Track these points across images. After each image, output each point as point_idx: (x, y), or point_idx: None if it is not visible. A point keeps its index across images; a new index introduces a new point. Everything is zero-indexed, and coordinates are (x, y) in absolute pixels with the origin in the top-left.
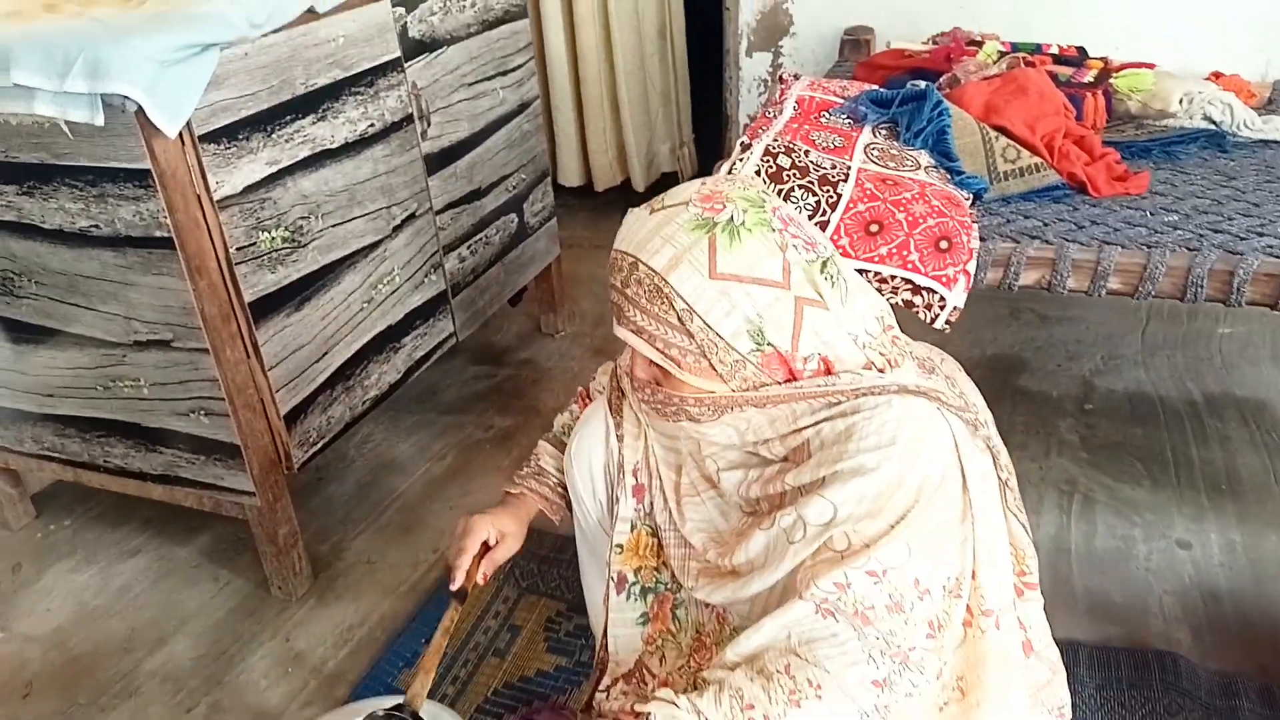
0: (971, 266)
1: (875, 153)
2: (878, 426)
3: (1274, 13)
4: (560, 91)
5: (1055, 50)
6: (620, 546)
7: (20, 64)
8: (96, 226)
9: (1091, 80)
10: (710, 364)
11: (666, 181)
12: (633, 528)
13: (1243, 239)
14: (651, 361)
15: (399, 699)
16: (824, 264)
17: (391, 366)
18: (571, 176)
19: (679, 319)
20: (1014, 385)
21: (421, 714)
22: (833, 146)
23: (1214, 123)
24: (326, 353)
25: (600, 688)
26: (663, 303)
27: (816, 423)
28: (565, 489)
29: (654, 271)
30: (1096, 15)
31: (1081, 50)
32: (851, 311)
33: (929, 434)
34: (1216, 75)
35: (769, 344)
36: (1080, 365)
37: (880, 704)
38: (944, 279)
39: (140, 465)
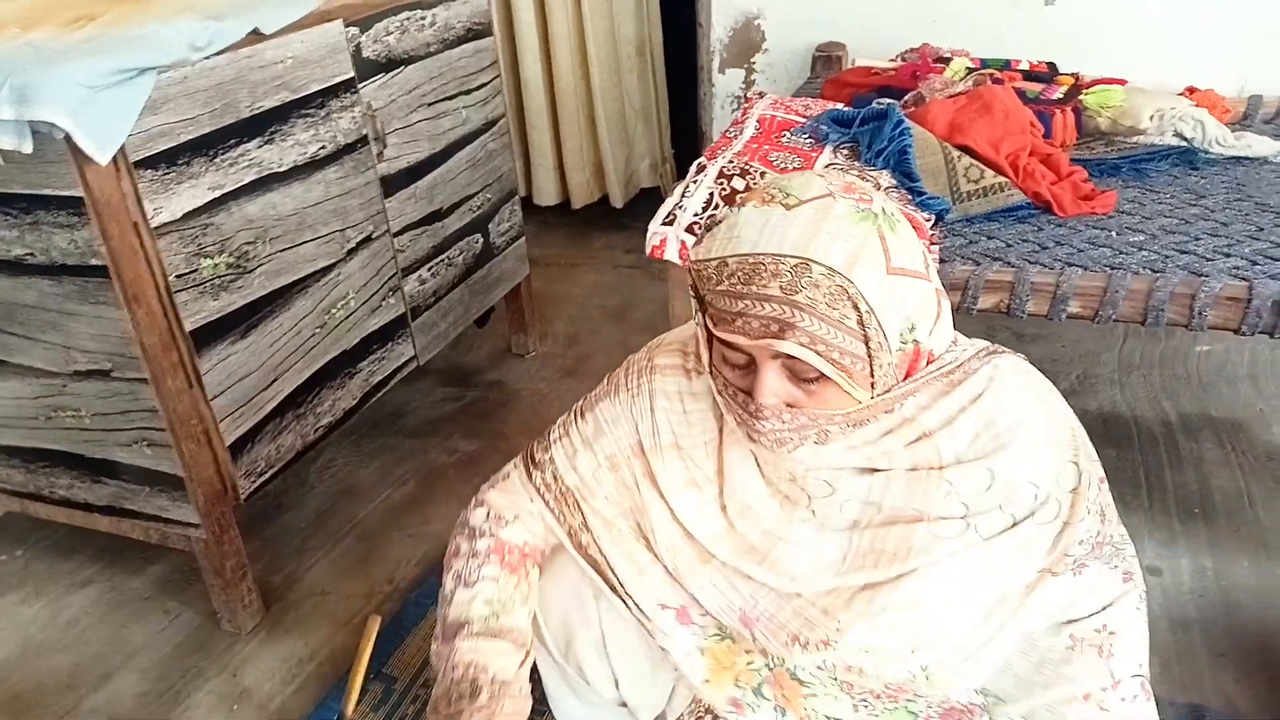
0: None
1: (834, 173)
2: (1007, 405)
3: (1248, 27)
4: (536, 110)
5: (1025, 66)
6: (708, 680)
7: None
8: (32, 255)
9: (1061, 97)
10: (871, 370)
11: (646, 198)
12: (703, 652)
13: (1209, 260)
14: (800, 380)
15: None
16: (926, 248)
17: (347, 392)
18: (547, 195)
19: (860, 321)
20: None
21: None
22: (791, 168)
23: (1185, 139)
24: (275, 380)
25: None
26: (845, 304)
27: (944, 424)
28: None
29: (834, 270)
30: (1068, 31)
31: (1052, 66)
32: (945, 296)
33: (1032, 377)
34: (1190, 91)
35: (913, 340)
36: (1056, 385)
37: (1141, 593)
38: None
39: (86, 496)
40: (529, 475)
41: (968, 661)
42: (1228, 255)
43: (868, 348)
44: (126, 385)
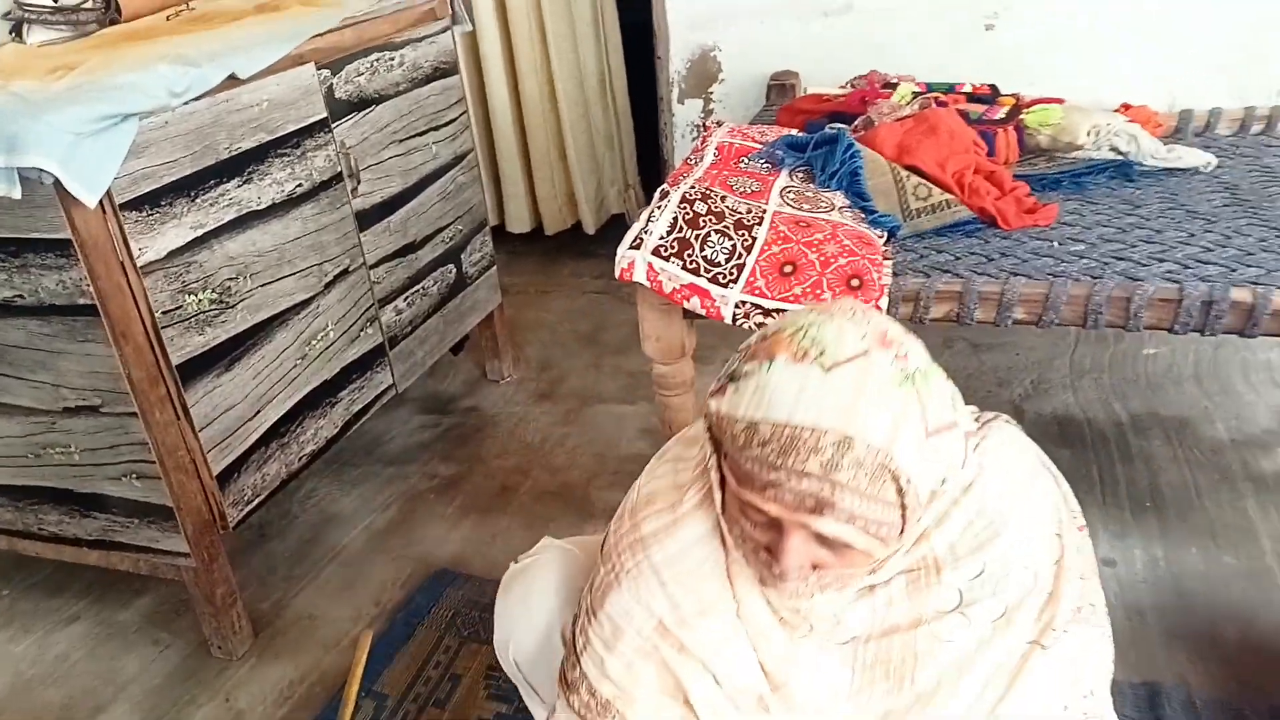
0: (883, 303)
1: (791, 195)
2: (996, 486)
3: (1178, 46)
4: (506, 141)
5: (968, 89)
6: None
7: None
8: (20, 296)
9: (1003, 117)
10: (903, 530)
11: (616, 223)
12: None
13: (1144, 265)
14: (824, 545)
15: None
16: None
17: (328, 421)
18: (520, 223)
19: (899, 492)
20: None
21: None
22: (749, 191)
23: (1121, 153)
24: (259, 410)
25: None
26: (886, 480)
27: (929, 524)
28: None
29: (876, 449)
30: (1008, 54)
31: (994, 88)
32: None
33: (1015, 446)
34: (1126, 107)
35: (943, 488)
36: (1010, 390)
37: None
38: None
39: (75, 531)
40: (569, 702)
41: None
42: (1161, 261)
43: (904, 516)
44: (115, 420)
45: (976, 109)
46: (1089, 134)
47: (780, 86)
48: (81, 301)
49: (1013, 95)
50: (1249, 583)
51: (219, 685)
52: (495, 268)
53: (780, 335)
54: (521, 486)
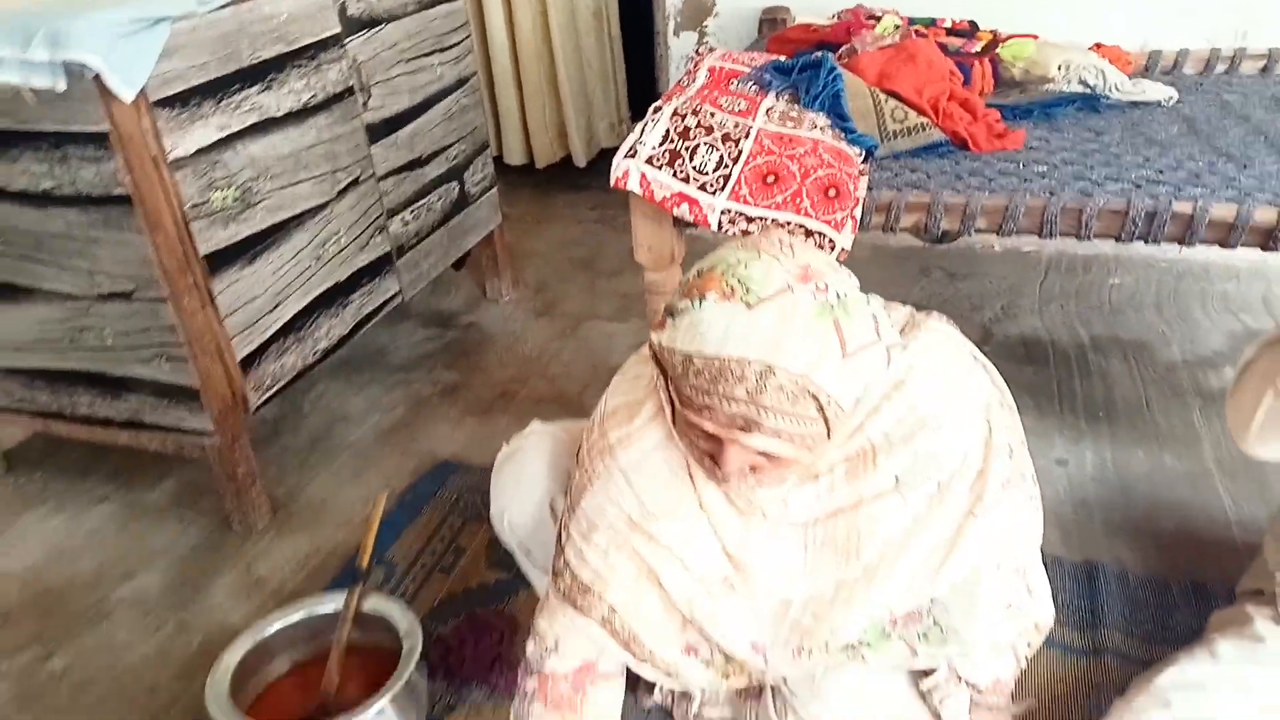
0: (858, 212)
1: (776, 115)
2: (925, 383)
3: None
4: (502, 72)
5: (949, 24)
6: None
7: None
8: (60, 187)
9: (979, 50)
10: (828, 435)
11: (606, 157)
12: (708, 664)
13: (1099, 184)
14: (761, 453)
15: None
16: (870, 298)
17: (340, 321)
18: (515, 155)
19: (820, 409)
20: None
21: (370, 601)
22: (738, 109)
23: (1089, 87)
24: (278, 305)
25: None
26: (806, 402)
27: (871, 414)
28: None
29: (799, 374)
30: None
31: (973, 24)
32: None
33: (949, 347)
34: (1098, 46)
35: (866, 393)
36: (981, 314)
37: (1039, 506)
38: (833, 223)
39: (107, 412)
40: (556, 587)
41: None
42: (1116, 180)
43: (827, 425)
44: (147, 305)
45: (955, 42)
46: (1059, 68)
47: (771, 21)
48: (117, 192)
49: (990, 31)
50: (1188, 482)
51: (240, 556)
52: (496, 189)
53: (712, 273)
54: (519, 393)
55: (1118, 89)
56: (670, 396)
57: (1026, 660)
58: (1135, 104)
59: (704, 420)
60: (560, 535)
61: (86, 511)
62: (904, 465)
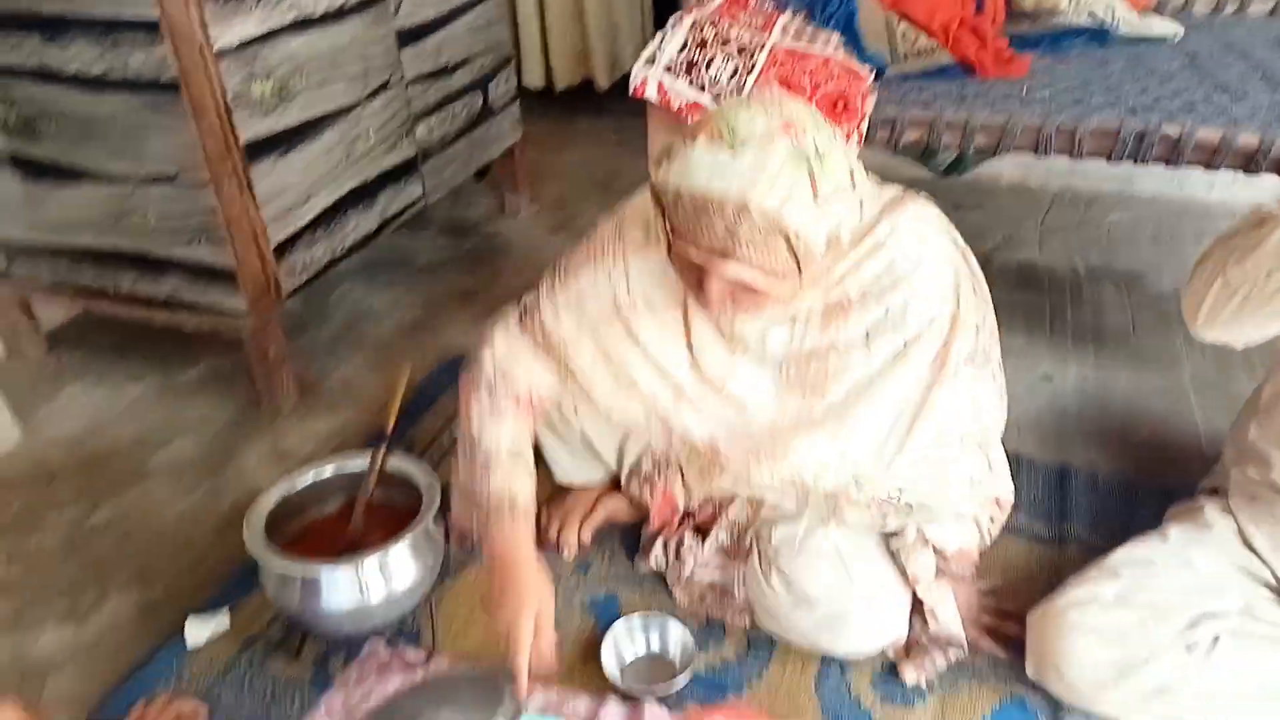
0: (864, 126)
1: (791, 32)
2: (905, 248)
3: None
4: None
5: None
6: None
7: None
8: (111, 72)
9: None
10: (799, 272)
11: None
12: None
13: (1096, 109)
14: (739, 284)
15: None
16: (847, 140)
17: (367, 218)
18: (534, 77)
19: (789, 247)
20: None
21: (394, 461)
22: (755, 25)
23: (1097, 20)
24: (310, 198)
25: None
26: (777, 237)
27: (851, 268)
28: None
29: (770, 210)
30: None
31: None
32: (862, 178)
33: (929, 219)
34: None
35: (838, 237)
36: (982, 243)
37: (999, 392)
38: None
39: (147, 292)
40: (524, 325)
41: (887, 470)
42: (1113, 105)
43: (798, 263)
44: (189, 189)
45: None
46: (1069, 2)
47: None
48: (165, 79)
49: None
50: (1165, 398)
51: (269, 430)
52: (518, 103)
53: (706, 119)
54: None
55: (1125, 23)
56: (665, 227)
57: (991, 537)
58: (1142, 39)
59: (689, 249)
60: (541, 286)
61: (125, 387)
62: (875, 319)
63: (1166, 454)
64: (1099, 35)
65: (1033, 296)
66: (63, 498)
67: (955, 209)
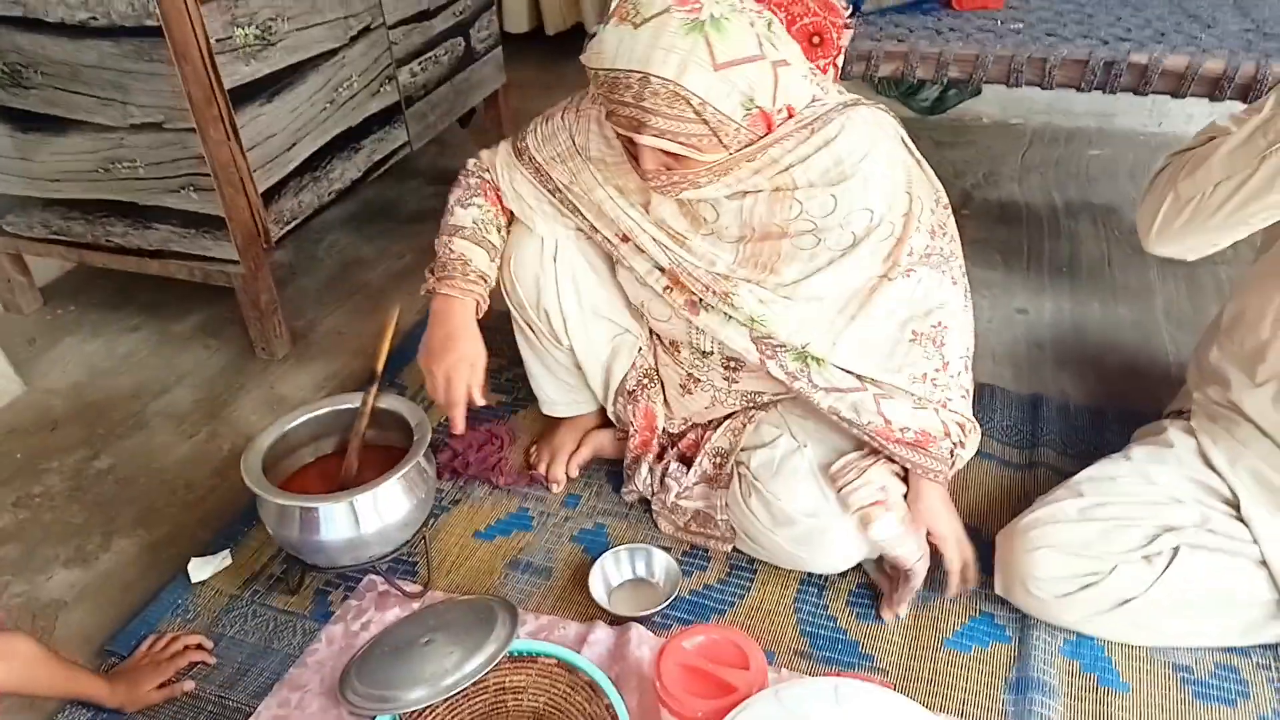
0: (840, 60)
1: None
2: (852, 143)
3: None
4: None
5: None
6: (668, 288)
7: None
8: (95, 19)
9: None
10: (719, 140)
11: None
12: (662, 271)
13: (1068, 40)
14: (664, 152)
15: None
16: (770, 24)
17: (353, 164)
18: (519, 23)
19: (696, 113)
20: None
21: (385, 400)
22: None
23: None
24: (295, 144)
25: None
26: (681, 104)
27: (800, 160)
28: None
29: (667, 80)
30: None
31: None
32: (797, 62)
33: (880, 122)
34: None
35: (756, 107)
36: (964, 180)
37: (964, 292)
38: (816, 69)
39: (138, 242)
40: (515, 152)
41: (835, 346)
42: (1086, 36)
43: (709, 127)
44: (176, 136)
45: None
46: None
47: None
48: (148, 23)
49: None
50: (1137, 330)
51: (263, 377)
52: (501, 48)
53: (622, 3)
54: None
55: None
56: (601, 111)
57: (960, 460)
58: None
59: (612, 122)
60: (525, 126)
61: (120, 338)
62: (824, 209)
63: (1138, 382)
64: None
65: (1011, 232)
66: (65, 445)
67: (937, 146)
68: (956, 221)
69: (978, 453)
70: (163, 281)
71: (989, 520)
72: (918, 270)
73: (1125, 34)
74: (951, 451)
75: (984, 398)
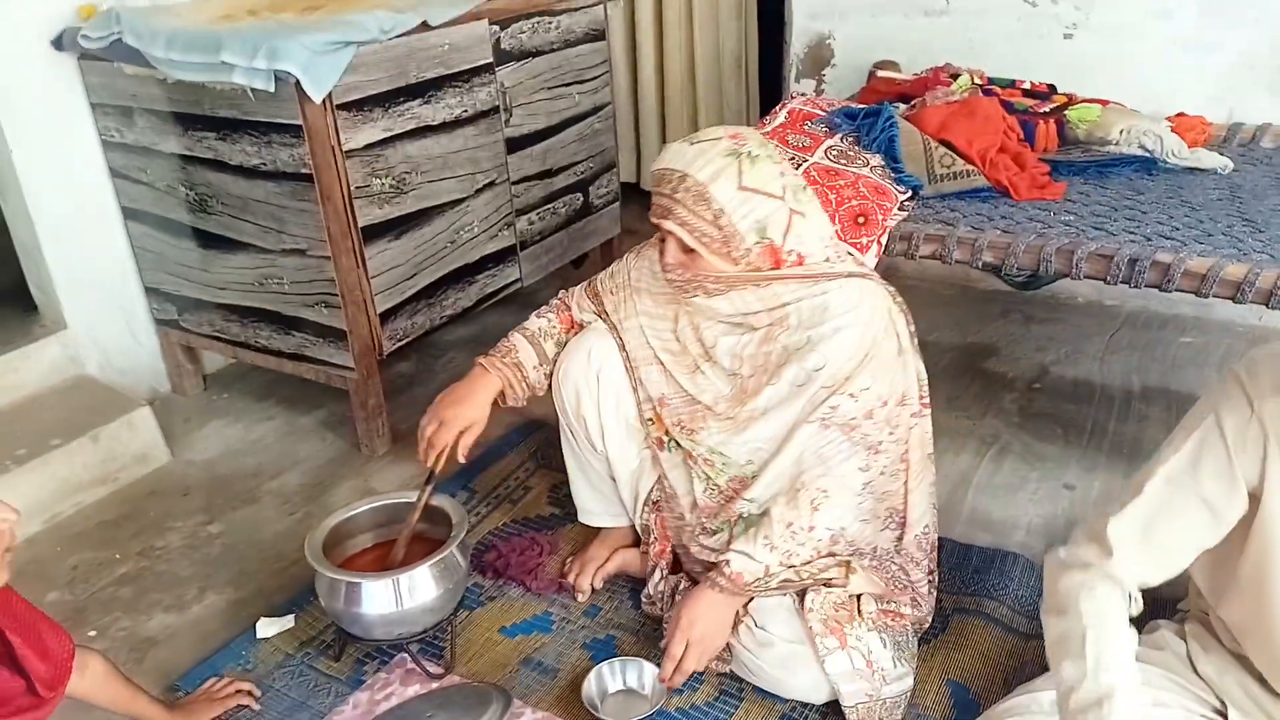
0: (884, 239)
1: (833, 153)
2: (843, 300)
3: (1238, 66)
4: (648, 108)
5: (1028, 85)
6: (650, 419)
7: (227, 49)
8: (264, 164)
9: (1048, 111)
10: (729, 250)
11: None
12: (652, 406)
13: (1112, 235)
14: (684, 247)
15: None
16: (802, 189)
17: (466, 295)
18: (628, 173)
19: (714, 216)
20: (979, 366)
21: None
22: (801, 145)
23: (1146, 150)
24: (415, 275)
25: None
26: (704, 204)
27: (796, 300)
28: (531, 381)
29: (700, 182)
30: (1082, 61)
31: (1051, 87)
32: (817, 223)
33: (877, 300)
34: (1180, 115)
35: (768, 239)
36: (1044, 356)
37: (864, 482)
38: (859, 245)
39: (280, 345)
40: (589, 284)
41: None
42: (1132, 234)
43: (723, 233)
44: (315, 261)
45: (1026, 102)
46: (1120, 132)
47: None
48: (303, 171)
49: (1066, 94)
50: None
51: (363, 470)
52: (618, 203)
53: (691, 134)
54: None
55: (1174, 154)
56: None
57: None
58: (1192, 170)
59: (651, 213)
60: (600, 273)
61: (257, 425)
62: (797, 344)
63: None
64: (1147, 164)
65: (1079, 409)
66: (190, 509)
67: (1026, 321)
68: (1026, 395)
69: (984, 615)
70: (300, 381)
71: (977, 681)
72: (830, 431)
73: (1171, 231)
74: (752, 585)
75: (1005, 564)
